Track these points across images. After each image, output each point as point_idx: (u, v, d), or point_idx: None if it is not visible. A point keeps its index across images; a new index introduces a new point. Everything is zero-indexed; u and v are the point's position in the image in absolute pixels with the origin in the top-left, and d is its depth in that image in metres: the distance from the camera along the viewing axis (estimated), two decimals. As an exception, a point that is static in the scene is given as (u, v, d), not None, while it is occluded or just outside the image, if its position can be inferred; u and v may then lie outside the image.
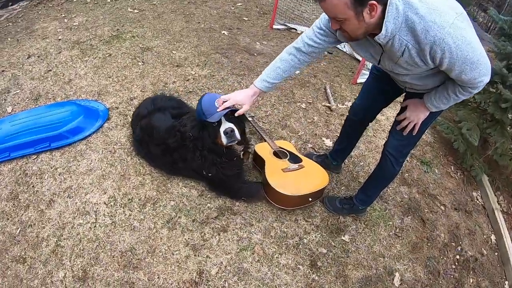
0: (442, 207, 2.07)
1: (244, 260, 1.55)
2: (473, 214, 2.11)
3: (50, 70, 2.53)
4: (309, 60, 1.38)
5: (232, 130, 1.53)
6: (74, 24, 3.21)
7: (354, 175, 2.13)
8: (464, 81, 1.09)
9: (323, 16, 1.25)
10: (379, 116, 2.51)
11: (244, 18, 3.83)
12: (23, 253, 1.50)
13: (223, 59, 3.01)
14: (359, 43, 1.23)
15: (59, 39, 2.92)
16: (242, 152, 1.81)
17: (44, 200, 1.70)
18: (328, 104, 2.64)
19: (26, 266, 1.45)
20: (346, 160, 2.18)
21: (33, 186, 1.76)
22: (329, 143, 2.29)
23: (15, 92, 2.31)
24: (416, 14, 0.97)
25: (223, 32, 3.43)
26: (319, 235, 1.73)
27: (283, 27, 3.70)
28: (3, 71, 2.47)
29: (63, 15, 3.44)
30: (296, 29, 3.68)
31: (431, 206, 2.06)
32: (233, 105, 1.47)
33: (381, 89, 1.54)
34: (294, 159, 1.90)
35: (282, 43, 3.41)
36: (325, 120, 2.51)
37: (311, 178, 1.81)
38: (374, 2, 0.95)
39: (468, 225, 2.03)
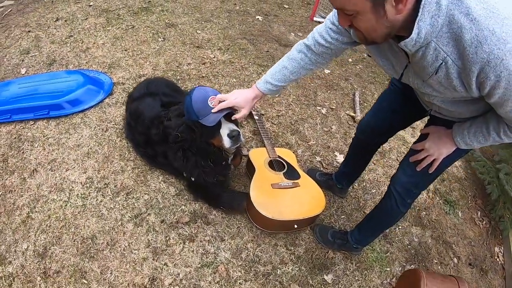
0: (455, 260, 1.80)
1: (202, 278, 1.47)
2: (489, 274, 1.81)
3: (72, 36, 2.63)
4: (322, 62, 1.18)
5: (239, 133, 1.42)
6: (108, -10, 3.30)
7: (361, 204, 1.91)
8: (506, 117, 0.84)
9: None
10: (408, 137, 2.24)
11: (285, 6, 3.60)
12: (-4, 218, 1.61)
13: (249, 45, 2.87)
14: (378, 48, 0.97)
15: (90, 5, 3.01)
16: (232, 157, 1.71)
17: (29, 169, 1.78)
18: (352, 114, 2.39)
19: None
20: (356, 184, 1.98)
21: (22, 152, 1.86)
22: (341, 159, 2.08)
23: (33, 54, 2.45)
24: (467, 15, 0.69)
25: (257, 17, 3.27)
26: (297, 269, 1.57)
27: (324, 19, 3.39)
28: (29, 31, 2.63)
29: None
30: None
31: (442, 256, 1.79)
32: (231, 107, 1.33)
33: (399, 106, 1.29)
34: (291, 174, 1.73)
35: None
36: (344, 131, 2.28)
37: (302, 201, 1.63)
38: None
39: (479, 286, 1.73)
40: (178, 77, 2.45)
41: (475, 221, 2.05)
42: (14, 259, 1.45)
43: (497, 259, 1.91)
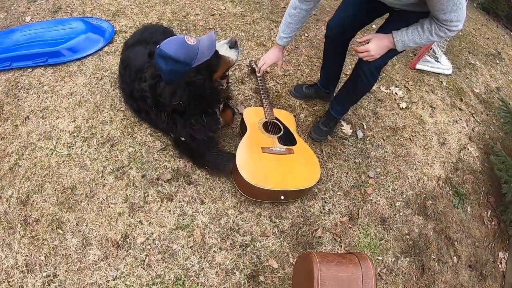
0: (455, 259, 1.66)
1: (176, 241, 1.40)
2: (487, 281, 1.67)
3: (79, -18, 2.63)
4: (316, 5, 1.51)
5: (236, 40, 1.41)
6: None
7: (362, 180, 1.82)
8: (441, 19, 1.15)
9: None
10: (426, 117, 2.24)
11: None
12: (-12, 162, 1.71)
13: None
14: None
15: None
16: (221, 107, 1.58)
17: (21, 116, 1.84)
18: None
19: (-15, 175, 1.66)
20: (360, 159, 1.92)
21: (18, 100, 1.92)
22: (348, 130, 1.97)
23: (39, 2, 2.47)
24: None
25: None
26: (278, 244, 1.43)
27: None
28: None
29: None
30: None
31: (442, 253, 1.64)
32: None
33: (365, 2, 1.50)
34: (287, 139, 1.57)
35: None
36: None
37: (293, 171, 1.46)
38: None
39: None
40: (183, 27, 2.32)
41: (483, 220, 1.92)
42: (-2, 203, 1.54)
43: (499, 266, 1.79)
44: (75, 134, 1.74)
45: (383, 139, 2.05)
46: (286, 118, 1.70)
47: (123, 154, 1.65)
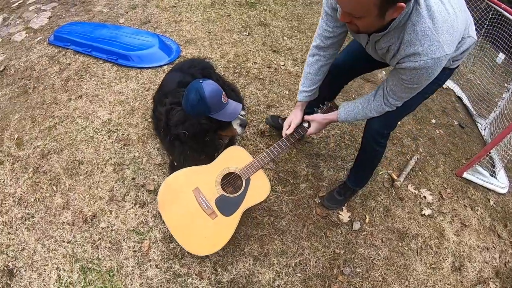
0: None
1: (126, 241, 1.91)
2: None
3: (175, 7, 3.57)
4: (334, 52, 1.71)
5: (247, 124, 1.85)
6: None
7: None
8: (392, 92, 1.47)
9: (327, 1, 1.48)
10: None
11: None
12: (34, 114, 2.50)
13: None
14: None
15: (207, -15, 3.97)
16: (227, 141, 2.08)
17: (77, 93, 2.65)
18: (394, 176, 2.45)
19: (29, 124, 2.44)
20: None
21: (81, 80, 2.76)
22: (345, 217, 2.20)
23: (137, 11, 3.47)
24: (414, 25, 1.19)
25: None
26: None
27: None
28: None
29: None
30: None
31: None
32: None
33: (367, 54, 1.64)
34: (228, 205, 1.73)
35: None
36: (372, 190, 2.36)
37: (197, 231, 1.70)
38: (403, 4, 1.08)
39: None
40: (237, 70, 3.01)
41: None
42: (26, 149, 2.27)
43: None
44: (105, 124, 2.45)
45: (382, 241, 2.13)
46: (258, 188, 1.76)
47: (129, 155, 2.29)
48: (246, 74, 2.99)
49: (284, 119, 2.40)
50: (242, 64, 3.07)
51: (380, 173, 2.46)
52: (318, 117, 1.78)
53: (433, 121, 3.02)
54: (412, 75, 1.31)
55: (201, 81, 1.72)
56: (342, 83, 2.09)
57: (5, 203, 2.01)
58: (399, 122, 1.93)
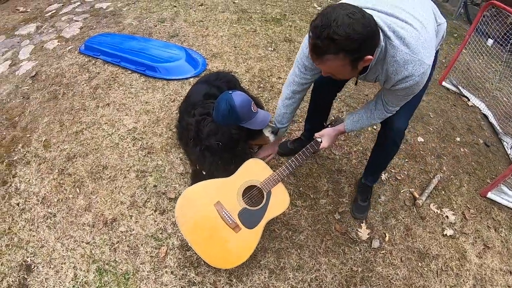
0: None
1: (144, 246, 1.99)
2: None
3: (202, 21, 3.79)
4: (308, 87, 1.91)
5: (278, 130, 1.97)
6: (256, -4, 4.44)
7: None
8: (391, 102, 1.66)
9: (302, 54, 1.68)
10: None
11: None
12: (70, 108, 2.67)
13: (351, 84, 3.29)
14: None
15: (234, 2, 4.20)
16: (257, 150, 2.19)
17: (105, 101, 2.82)
18: (416, 195, 2.47)
19: (57, 128, 2.60)
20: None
21: (109, 89, 2.94)
22: (364, 234, 2.23)
23: (165, 25, 3.71)
24: (393, 57, 1.37)
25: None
26: None
27: (453, 88, 3.61)
28: (175, 6, 4.01)
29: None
30: (468, 99, 3.47)
31: None
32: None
33: None
34: (250, 217, 1.80)
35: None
36: (393, 208, 2.38)
37: (221, 245, 1.76)
38: (370, 56, 1.31)
39: None
40: (261, 85, 3.14)
41: None
42: (53, 151, 2.43)
43: None
44: (130, 132, 2.60)
45: (401, 260, 2.14)
46: (279, 200, 1.83)
47: (152, 162, 2.41)
48: (270, 89, 3.11)
49: (293, 142, 2.57)
50: (267, 79, 3.20)
51: (402, 191, 2.49)
52: (327, 131, 1.94)
53: (458, 139, 3.05)
54: (406, 91, 1.51)
55: (230, 92, 1.83)
56: (329, 104, 2.29)
57: (29, 201, 2.15)
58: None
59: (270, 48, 3.56)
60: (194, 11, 3.97)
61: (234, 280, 1.91)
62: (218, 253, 1.76)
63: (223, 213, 1.78)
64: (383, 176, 2.55)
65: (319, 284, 1.97)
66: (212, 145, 1.86)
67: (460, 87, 3.65)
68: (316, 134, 1.94)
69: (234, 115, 1.78)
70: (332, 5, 1.27)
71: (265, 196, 1.84)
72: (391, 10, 1.37)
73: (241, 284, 1.90)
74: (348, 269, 2.05)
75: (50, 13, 4.12)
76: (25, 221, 2.07)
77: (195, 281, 1.89)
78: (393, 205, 2.39)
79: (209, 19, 3.86)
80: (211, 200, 1.81)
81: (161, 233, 2.06)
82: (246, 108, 1.80)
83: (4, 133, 2.61)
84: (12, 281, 1.85)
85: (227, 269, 1.93)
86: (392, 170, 2.61)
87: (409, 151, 2.78)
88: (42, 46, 3.51)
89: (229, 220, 1.76)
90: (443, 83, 3.67)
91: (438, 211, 2.42)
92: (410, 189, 2.51)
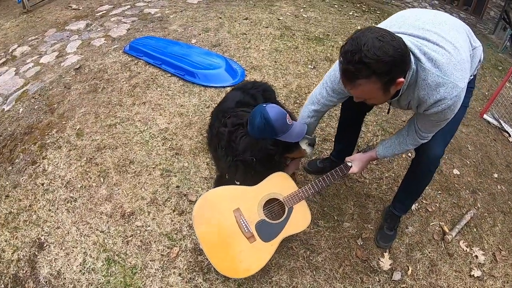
0: None
1: (158, 243, 1.98)
2: None
3: (245, 34, 3.87)
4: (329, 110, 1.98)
5: (316, 141, 2.01)
6: (304, 15, 4.53)
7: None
8: (424, 128, 1.61)
9: (333, 78, 1.68)
10: None
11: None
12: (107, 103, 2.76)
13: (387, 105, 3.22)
14: None
15: (279, 19, 4.28)
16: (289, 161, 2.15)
17: (141, 100, 2.91)
18: (446, 229, 2.32)
19: (92, 119, 2.69)
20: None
21: (147, 89, 3.03)
22: (386, 265, 2.09)
23: (209, 34, 3.82)
24: (424, 80, 1.35)
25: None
26: None
27: (495, 122, 3.52)
28: (220, 18, 4.15)
29: (302, 5, 4.96)
30: (509, 134, 3.37)
31: None
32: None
33: None
34: (268, 230, 1.76)
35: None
36: (420, 240, 2.24)
37: (233, 253, 1.72)
38: (402, 79, 1.30)
39: None
40: (297, 101, 3.13)
41: None
42: (84, 140, 2.52)
43: None
44: (161, 131, 2.64)
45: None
46: (300, 218, 1.81)
47: (178, 163, 2.42)
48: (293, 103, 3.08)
49: (323, 161, 2.54)
50: (304, 96, 3.18)
51: (431, 224, 2.35)
52: (358, 156, 1.92)
53: (496, 175, 2.88)
54: (438, 115, 1.45)
55: (264, 105, 1.82)
56: (359, 125, 2.29)
57: (54, 183, 2.23)
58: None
59: (310, 66, 3.57)
60: (239, 24, 4.09)
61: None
62: (227, 260, 1.72)
63: (241, 220, 1.75)
64: (413, 206, 2.42)
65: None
66: (247, 160, 1.86)
67: (502, 122, 3.53)
68: (347, 158, 1.92)
69: (269, 128, 1.77)
70: (361, 30, 1.28)
71: (286, 212, 1.81)
72: (421, 33, 1.37)
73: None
74: (366, 299, 1.93)
75: (100, 13, 4.37)
76: (46, 201, 2.14)
77: (202, 286, 1.84)
78: (421, 238, 2.26)
79: (252, 33, 3.94)
80: (231, 205, 1.79)
81: (176, 234, 2.04)
82: (281, 120, 1.79)
83: (42, 117, 2.74)
84: (23, 255, 1.92)
85: (236, 280, 1.87)
86: (424, 201, 2.48)
87: (443, 183, 2.64)
88: (89, 43, 3.71)
89: (245, 228, 1.73)
90: (485, 116, 3.55)
91: (468, 249, 2.26)
92: (440, 223, 2.36)
